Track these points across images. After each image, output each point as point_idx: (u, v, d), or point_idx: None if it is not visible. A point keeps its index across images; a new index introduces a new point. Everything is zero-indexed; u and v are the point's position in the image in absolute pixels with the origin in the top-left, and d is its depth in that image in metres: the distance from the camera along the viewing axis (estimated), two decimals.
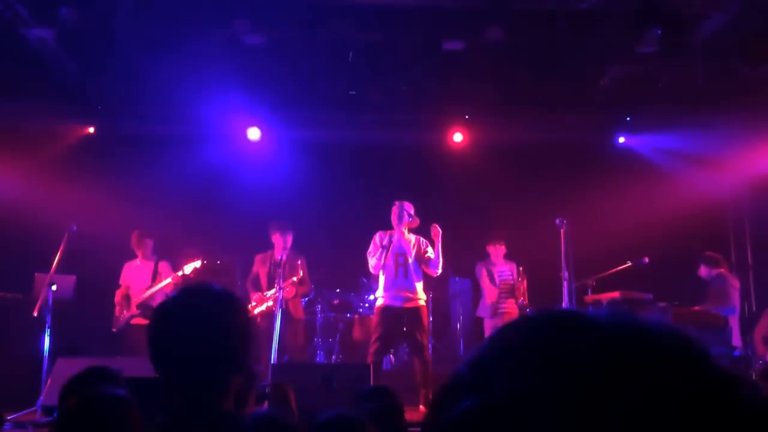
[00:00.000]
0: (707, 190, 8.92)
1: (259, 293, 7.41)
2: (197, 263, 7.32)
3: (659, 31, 6.84)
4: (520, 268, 7.55)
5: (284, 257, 7.25)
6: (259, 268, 7.57)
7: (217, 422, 1.67)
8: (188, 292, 1.80)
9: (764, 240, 9.00)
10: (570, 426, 0.50)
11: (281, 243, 7.43)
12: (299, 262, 7.30)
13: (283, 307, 6.92)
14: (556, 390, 0.51)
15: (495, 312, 7.44)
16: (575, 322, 0.57)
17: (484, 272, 7.67)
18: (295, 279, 7.20)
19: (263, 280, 7.49)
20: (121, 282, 7.68)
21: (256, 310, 7.33)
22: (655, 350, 0.54)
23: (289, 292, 7.29)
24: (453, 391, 0.56)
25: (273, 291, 7.24)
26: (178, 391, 1.68)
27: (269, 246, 7.63)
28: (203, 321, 1.70)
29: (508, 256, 7.72)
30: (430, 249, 6.68)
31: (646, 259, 7.19)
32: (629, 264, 7.23)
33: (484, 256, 7.71)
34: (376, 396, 3.38)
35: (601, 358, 0.53)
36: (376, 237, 6.74)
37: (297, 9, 6.78)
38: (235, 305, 1.77)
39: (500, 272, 7.58)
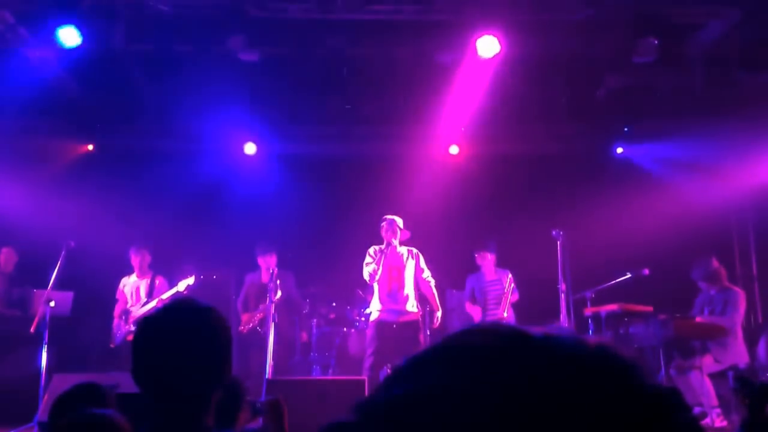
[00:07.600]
0: (709, 200, 8.74)
1: (248, 313, 7.58)
2: (191, 280, 7.30)
3: (656, 41, 6.82)
4: (510, 277, 7.37)
5: (267, 279, 7.41)
6: (248, 289, 7.76)
7: None
8: (171, 307, 1.80)
9: None
10: (483, 425, 0.55)
11: (264, 265, 7.68)
12: (280, 281, 7.24)
13: (276, 321, 6.94)
14: (479, 390, 0.56)
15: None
16: (512, 336, 0.61)
17: (468, 293, 7.54)
18: (273, 299, 7.17)
19: (251, 302, 7.70)
20: (117, 297, 7.68)
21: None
22: (576, 366, 0.57)
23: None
24: (389, 381, 0.61)
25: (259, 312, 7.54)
26: (160, 405, 1.67)
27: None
28: (184, 336, 1.70)
29: (501, 264, 7.55)
30: (425, 267, 6.74)
31: (646, 271, 7.04)
32: (628, 276, 7.10)
33: (476, 268, 7.59)
34: None
35: (527, 370, 0.57)
36: (371, 251, 6.79)
37: (291, 25, 6.81)
38: (217, 320, 1.76)
39: (489, 283, 7.42)
